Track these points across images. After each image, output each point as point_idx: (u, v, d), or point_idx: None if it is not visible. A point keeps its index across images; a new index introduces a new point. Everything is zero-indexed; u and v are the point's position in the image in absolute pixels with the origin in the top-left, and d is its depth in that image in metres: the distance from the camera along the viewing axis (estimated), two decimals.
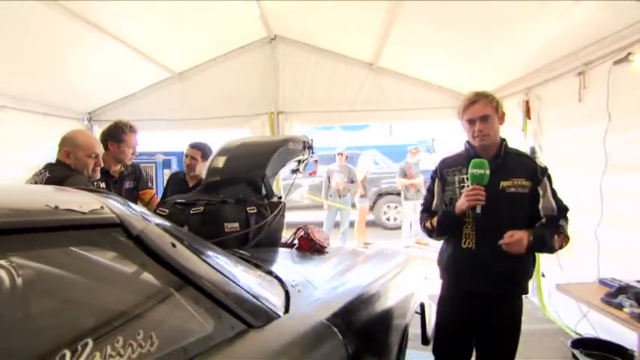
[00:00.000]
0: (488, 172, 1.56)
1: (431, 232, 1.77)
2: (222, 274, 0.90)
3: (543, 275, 3.48)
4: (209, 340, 0.79)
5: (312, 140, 2.30)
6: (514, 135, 3.86)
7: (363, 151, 6.49)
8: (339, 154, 5.73)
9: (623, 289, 2.04)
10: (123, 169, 2.53)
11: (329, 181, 5.75)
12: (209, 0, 3.54)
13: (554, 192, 1.73)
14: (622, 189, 2.63)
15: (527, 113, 3.70)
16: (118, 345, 0.62)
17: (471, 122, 1.67)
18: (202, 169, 2.61)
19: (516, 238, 1.54)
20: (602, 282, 2.22)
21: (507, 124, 3.97)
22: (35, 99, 4.15)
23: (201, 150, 2.83)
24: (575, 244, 3.07)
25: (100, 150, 2.14)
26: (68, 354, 0.55)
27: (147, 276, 0.79)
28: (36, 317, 0.67)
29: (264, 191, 1.99)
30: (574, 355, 2.62)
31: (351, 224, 5.96)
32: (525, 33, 3.07)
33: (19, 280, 0.67)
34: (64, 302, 0.72)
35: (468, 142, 1.76)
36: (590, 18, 2.58)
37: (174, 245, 0.83)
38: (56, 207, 0.70)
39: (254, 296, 0.95)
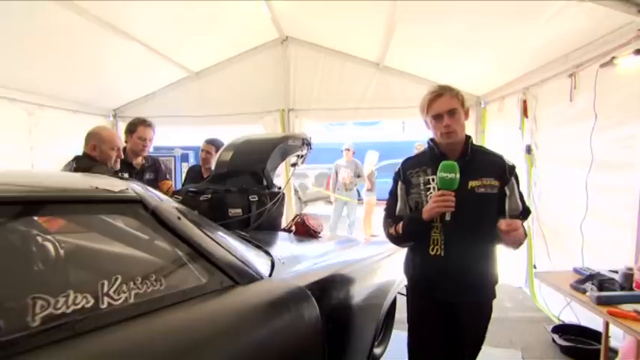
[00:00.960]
0: (458, 175, 1.45)
1: (396, 239, 1.64)
2: (217, 242, 1.18)
3: (535, 267, 3.64)
4: (203, 289, 1.07)
5: (310, 137, 2.55)
6: (513, 133, 4.03)
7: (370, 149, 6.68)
8: (346, 149, 5.98)
9: (591, 277, 2.22)
10: (144, 161, 2.85)
11: (336, 175, 6.01)
12: (224, 1, 3.80)
13: (520, 192, 1.64)
14: (605, 186, 2.79)
15: (525, 112, 3.84)
16: (137, 282, 0.90)
17: (438, 118, 1.54)
18: None
19: (517, 225, 1.45)
20: (576, 270, 2.39)
21: (507, 122, 4.17)
22: (66, 97, 4.56)
23: (215, 145, 3.14)
24: (563, 237, 3.25)
25: (121, 144, 2.45)
26: (106, 282, 0.84)
27: (159, 239, 1.08)
28: (88, 261, 0.97)
29: (265, 182, 2.27)
30: (553, 340, 2.82)
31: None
32: (523, 35, 3.21)
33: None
34: (103, 253, 1.02)
35: (431, 139, 1.65)
36: (578, 23, 2.72)
37: (179, 218, 1.12)
38: (97, 187, 1.00)
39: (242, 262, 1.23)
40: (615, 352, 2.50)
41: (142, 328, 0.86)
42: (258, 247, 1.58)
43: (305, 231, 2.23)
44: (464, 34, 3.54)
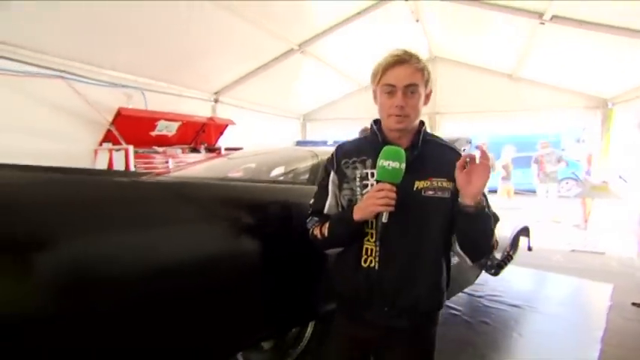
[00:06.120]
0: (404, 166, 1.18)
1: (321, 243, 1.35)
2: None
3: None
4: None
5: (471, 139, 4.54)
6: (631, 130, 5.42)
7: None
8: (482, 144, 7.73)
9: None
10: None
11: None
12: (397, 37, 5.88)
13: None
14: None
15: None
16: None
17: (390, 92, 1.25)
18: None
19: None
20: None
21: (624, 121, 5.55)
22: (279, 107, 7.22)
23: None
24: None
25: None
26: None
27: None
28: None
29: None
30: None
31: None
32: (631, 59, 4.67)
33: None
34: None
35: (376, 121, 1.34)
36: None
37: None
38: None
39: None
40: None
41: None
42: None
43: None
44: (592, 50, 4.94)
